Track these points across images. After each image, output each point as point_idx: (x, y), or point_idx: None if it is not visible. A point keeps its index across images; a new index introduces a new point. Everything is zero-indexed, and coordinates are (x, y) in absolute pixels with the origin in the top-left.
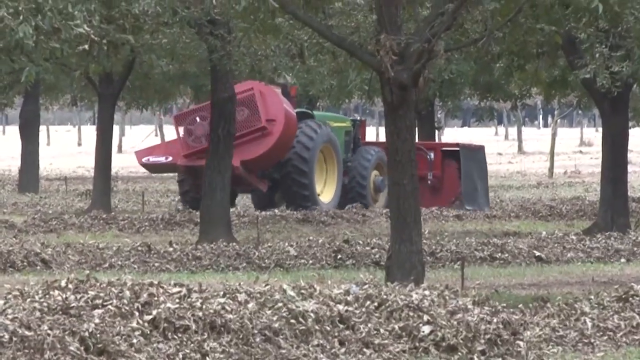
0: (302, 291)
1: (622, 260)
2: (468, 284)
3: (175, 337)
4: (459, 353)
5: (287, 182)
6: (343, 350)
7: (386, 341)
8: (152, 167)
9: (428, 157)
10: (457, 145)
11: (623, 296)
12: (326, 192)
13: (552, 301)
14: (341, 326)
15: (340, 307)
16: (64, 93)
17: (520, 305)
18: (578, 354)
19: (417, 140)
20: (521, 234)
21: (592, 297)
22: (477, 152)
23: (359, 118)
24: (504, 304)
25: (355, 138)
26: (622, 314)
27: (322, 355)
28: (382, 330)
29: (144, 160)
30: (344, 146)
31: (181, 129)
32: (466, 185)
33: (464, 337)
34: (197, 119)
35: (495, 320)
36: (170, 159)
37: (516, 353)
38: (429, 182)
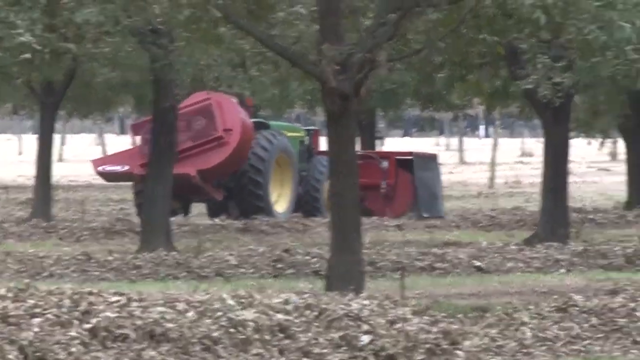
0: (242, 300)
1: (562, 270)
2: (408, 293)
3: (115, 345)
4: None
5: (242, 194)
6: (282, 359)
7: (325, 350)
8: (108, 176)
9: (381, 165)
10: (410, 154)
11: (562, 306)
12: (281, 201)
13: (492, 311)
14: (280, 335)
15: (280, 316)
16: (5, 102)
17: (459, 315)
18: None
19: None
20: (461, 243)
21: (532, 307)
22: (430, 161)
23: (313, 127)
24: (444, 314)
25: (309, 148)
26: (561, 324)
27: None
28: (321, 340)
29: (99, 169)
30: (299, 156)
31: (138, 138)
32: (422, 192)
33: (403, 346)
34: None
35: (434, 329)
36: (126, 167)
37: None
38: (383, 190)
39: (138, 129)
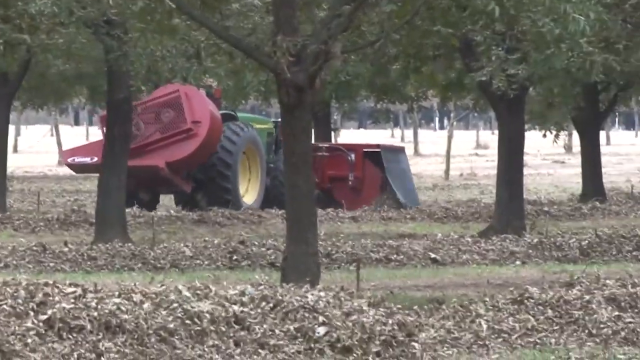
0: (198, 292)
1: (517, 262)
2: (363, 285)
3: (70, 337)
4: (354, 354)
5: (210, 186)
6: (238, 350)
7: (281, 342)
8: (77, 168)
9: (349, 158)
10: (378, 146)
11: (518, 298)
12: (250, 193)
13: (447, 303)
14: (236, 327)
15: (236, 307)
16: None
17: (415, 307)
18: (473, 355)
19: (328, 143)
20: (417, 235)
21: (487, 299)
22: (398, 153)
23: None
24: (399, 306)
25: (277, 139)
26: (517, 316)
27: (217, 356)
28: (277, 331)
29: (69, 160)
30: (266, 147)
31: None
32: (395, 183)
33: (359, 338)
34: None
35: (390, 321)
36: (95, 159)
37: (411, 355)
38: (350, 183)
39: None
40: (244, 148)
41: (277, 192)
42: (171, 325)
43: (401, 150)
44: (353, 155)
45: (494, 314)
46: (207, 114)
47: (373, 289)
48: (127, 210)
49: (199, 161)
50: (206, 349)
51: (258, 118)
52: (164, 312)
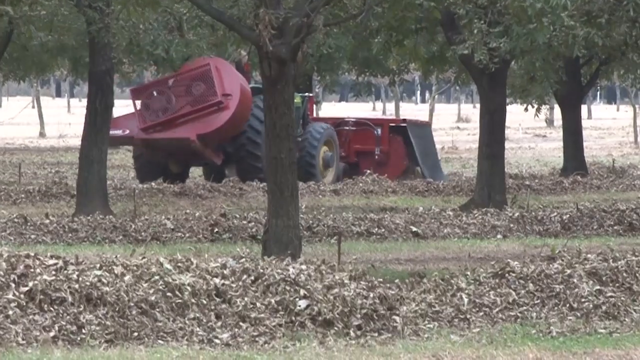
0: (179, 264)
1: (499, 236)
2: (345, 258)
3: (52, 309)
4: (335, 327)
5: (241, 153)
6: (219, 323)
7: (262, 315)
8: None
9: (375, 132)
10: (404, 121)
11: (499, 272)
12: None
13: (429, 277)
14: (217, 300)
15: (217, 280)
16: None
17: (396, 281)
18: (454, 329)
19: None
20: (398, 209)
21: (469, 273)
22: (424, 128)
23: (308, 94)
24: (381, 279)
25: (304, 114)
26: (498, 290)
27: (198, 329)
28: (258, 304)
29: None
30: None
31: (138, 103)
32: (423, 158)
33: (340, 311)
34: (154, 92)
35: (371, 295)
36: (127, 132)
37: (392, 328)
38: (377, 157)
39: (138, 93)
40: None
41: (304, 166)
42: (152, 298)
43: (427, 125)
44: (379, 130)
45: (475, 287)
46: (237, 87)
47: (354, 262)
48: (109, 182)
49: (230, 134)
50: (187, 322)
51: None
52: (145, 285)
